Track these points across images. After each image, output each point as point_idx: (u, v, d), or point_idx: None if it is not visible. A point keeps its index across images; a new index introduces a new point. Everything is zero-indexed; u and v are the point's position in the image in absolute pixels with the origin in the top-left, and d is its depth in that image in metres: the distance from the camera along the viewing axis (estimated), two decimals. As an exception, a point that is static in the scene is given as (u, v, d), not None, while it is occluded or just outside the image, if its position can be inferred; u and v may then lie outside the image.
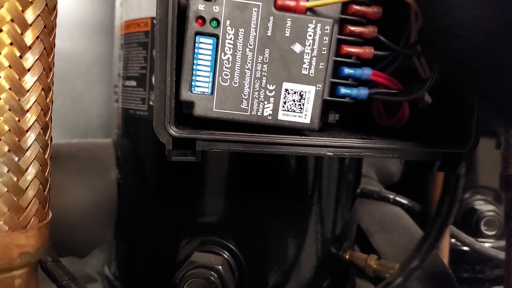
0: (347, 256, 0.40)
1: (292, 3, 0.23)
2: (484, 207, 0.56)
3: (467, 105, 0.26)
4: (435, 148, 0.26)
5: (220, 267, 0.31)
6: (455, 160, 0.27)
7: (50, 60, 0.20)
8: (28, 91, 0.19)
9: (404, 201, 0.52)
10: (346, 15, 0.24)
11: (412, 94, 0.26)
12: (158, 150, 0.36)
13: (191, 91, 0.23)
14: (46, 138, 0.20)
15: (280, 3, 0.23)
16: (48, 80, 0.20)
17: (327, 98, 0.26)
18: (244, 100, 0.23)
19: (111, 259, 0.42)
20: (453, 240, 0.57)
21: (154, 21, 0.34)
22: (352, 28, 0.25)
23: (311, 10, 0.24)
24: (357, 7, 0.24)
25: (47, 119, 0.20)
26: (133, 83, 0.36)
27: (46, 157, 0.20)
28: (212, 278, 0.31)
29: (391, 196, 0.52)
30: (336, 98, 0.26)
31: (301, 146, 0.25)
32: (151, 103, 0.35)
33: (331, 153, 0.25)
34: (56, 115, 0.59)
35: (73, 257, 0.40)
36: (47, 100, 0.20)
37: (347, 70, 0.25)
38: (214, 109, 0.23)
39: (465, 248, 0.55)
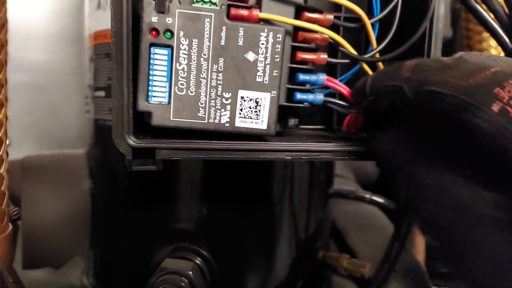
0: (320, 256, 0.40)
1: (245, 13, 0.24)
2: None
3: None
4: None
5: (190, 272, 0.32)
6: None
7: (1, 76, 0.20)
8: (-20, 107, 0.19)
9: (380, 200, 0.53)
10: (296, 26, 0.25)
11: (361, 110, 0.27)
12: (129, 159, 0.37)
13: (148, 101, 0.24)
14: (1, 153, 0.20)
15: (233, 13, 0.23)
16: (0, 96, 0.20)
17: (283, 103, 0.26)
18: (201, 109, 0.24)
19: (89, 268, 0.43)
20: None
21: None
22: (305, 35, 0.25)
23: (264, 20, 0.24)
24: (310, 15, 0.25)
25: (0, 134, 0.20)
26: (102, 93, 0.37)
27: (1, 171, 0.20)
28: (182, 283, 0.31)
29: (367, 196, 0.53)
30: (292, 104, 0.27)
31: (260, 151, 0.26)
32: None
33: (290, 157, 0.26)
34: (34, 127, 0.59)
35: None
36: (0, 116, 0.20)
37: (302, 76, 0.26)
38: (171, 118, 0.24)
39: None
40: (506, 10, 0.31)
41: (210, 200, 0.36)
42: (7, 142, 0.23)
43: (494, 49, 0.40)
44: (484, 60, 0.20)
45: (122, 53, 0.23)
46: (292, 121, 0.28)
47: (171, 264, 0.33)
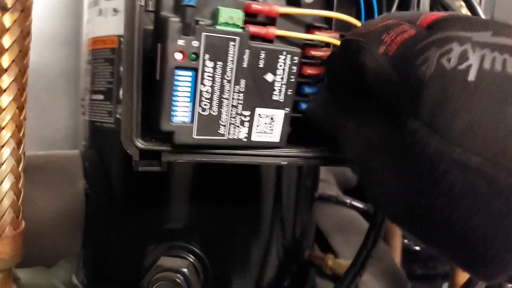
0: (306, 256, 0.43)
1: (263, 31, 0.25)
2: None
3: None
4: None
5: (186, 269, 0.33)
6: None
7: (24, 81, 0.21)
8: (4, 110, 0.20)
9: (359, 205, 0.56)
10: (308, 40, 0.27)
11: None
12: (124, 160, 0.38)
13: (171, 122, 0.24)
14: (20, 152, 0.22)
15: (252, 30, 0.25)
16: (22, 99, 0.21)
17: (292, 114, 0.28)
18: (221, 126, 0.25)
19: (79, 267, 0.43)
20: (406, 241, 0.61)
21: (121, 39, 0.36)
22: (313, 52, 0.27)
23: (279, 37, 0.26)
24: (319, 33, 0.27)
25: (20, 135, 0.22)
26: (100, 96, 0.38)
27: (19, 170, 0.22)
28: (178, 280, 0.33)
29: (348, 201, 0.56)
30: (298, 114, 0.29)
31: (259, 156, 0.28)
32: (117, 116, 0.37)
33: (285, 162, 0.28)
34: (21, 127, 0.59)
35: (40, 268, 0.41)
36: (21, 118, 0.21)
37: (307, 89, 0.28)
38: (194, 136, 0.25)
39: (417, 247, 0.59)
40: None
41: (203, 201, 0.38)
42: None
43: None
44: (395, 15, 0.22)
45: (132, 61, 0.24)
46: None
47: (166, 262, 0.34)
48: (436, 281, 0.65)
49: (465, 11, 0.34)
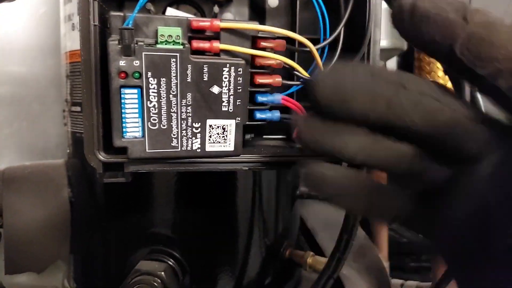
0: (287, 254, 0.44)
1: (207, 45, 0.26)
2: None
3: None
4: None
5: (163, 273, 0.35)
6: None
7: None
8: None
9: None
10: (255, 49, 0.27)
11: None
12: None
13: (123, 137, 0.25)
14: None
15: (195, 46, 0.25)
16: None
17: (245, 123, 0.29)
18: (174, 139, 0.26)
19: (70, 272, 0.45)
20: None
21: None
22: (261, 61, 0.28)
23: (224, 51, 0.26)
24: (264, 43, 0.28)
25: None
26: (78, 108, 0.39)
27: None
28: (155, 283, 0.34)
29: (334, 197, 0.56)
30: (253, 122, 0.30)
31: (220, 163, 0.29)
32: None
33: (247, 168, 0.29)
34: (14, 138, 0.61)
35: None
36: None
37: (260, 98, 0.29)
38: (147, 150, 0.26)
39: (404, 239, 0.60)
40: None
41: (182, 205, 0.39)
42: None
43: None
44: None
45: (91, 78, 0.26)
46: (248, 136, 0.31)
47: (144, 265, 0.35)
48: (428, 273, 0.65)
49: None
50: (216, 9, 0.31)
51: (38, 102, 0.60)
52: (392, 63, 0.59)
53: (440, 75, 0.43)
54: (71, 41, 0.40)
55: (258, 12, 0.35)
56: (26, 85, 0.59)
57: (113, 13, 0.25)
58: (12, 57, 0.58)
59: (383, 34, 0.48)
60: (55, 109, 0.60)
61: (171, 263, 0.37)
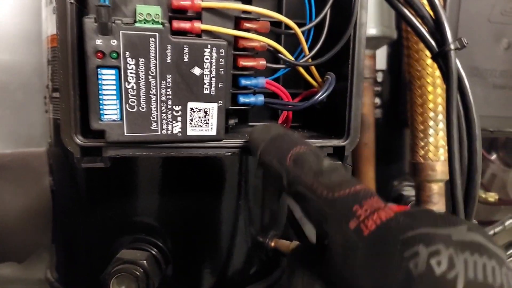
0: (272, 244, 0.43)
1: (188, 25, 0.25)
2: (411, 192, 0.61)
3: (342, 109, 0.29)
4: (322, 142, 0.30)
5: (145, 261, 0.34)
6: (341, 152, 0.30)
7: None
8: None
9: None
10: (239, 30, 0.27)
11: (297, 106, 0.30)
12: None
13: (100, 120, 0.24)
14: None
15: (176, 26, 0.25)
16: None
17: (229, 107, 0.29)
18: (153, 122, 0.25)
19: (52, 263, 0.44)
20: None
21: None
22: (244, 43, 0.28)
23: (206, 31, 0.26)
24: (248, 24, 0.27)
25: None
26: (59, 94, 0.38)
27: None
28: (137, 272, 0.33)
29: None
30: (237, 107, 0.29)
31: (201, 148, 0.28)
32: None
33: (229, 153, 0.28)
34: (-2, 127, 0.59)
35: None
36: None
37: (244, 81, 0.28)
38: (125, 134, 0.25)
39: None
40: (432, 15, 0.33)
41: (166, 193, 0.38)
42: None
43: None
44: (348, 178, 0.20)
45: (67, 59, 0.25)
46: (232, 121, 0.30)
47: (126, 254, 0.35)
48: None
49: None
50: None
51: (22, 90, 0.58)
52: (381, 52, 0.58)
53: (429, 63, 0.43)
54: (53, 24, 0.38)
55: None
56: (9, 73, 0.57)
57: (90, -10, 0.24)
58: (-4, 44, 0.57)
59: (372, 23, 0.47)
60: (39, 97, 0.58)
61: (154, 252, 0.37)
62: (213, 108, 0.26)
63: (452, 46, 0.31)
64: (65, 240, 0.42)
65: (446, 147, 0.44)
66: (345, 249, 0.18)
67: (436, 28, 0.33)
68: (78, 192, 0.40)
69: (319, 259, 0.20)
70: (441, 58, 0.32)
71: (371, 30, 0.47)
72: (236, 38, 0.27)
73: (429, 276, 0.16)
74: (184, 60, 0.24)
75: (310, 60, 0.29)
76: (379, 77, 0.62)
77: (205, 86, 0.25)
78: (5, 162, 0.41)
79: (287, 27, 0.31)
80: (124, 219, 0.38)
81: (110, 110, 0.24)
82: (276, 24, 0.30)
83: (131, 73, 0.24)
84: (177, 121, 0.25)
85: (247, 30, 0.27)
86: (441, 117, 0.43)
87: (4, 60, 0.57)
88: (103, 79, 0.23)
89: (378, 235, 0.17)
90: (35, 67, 0.58)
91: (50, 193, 0.40)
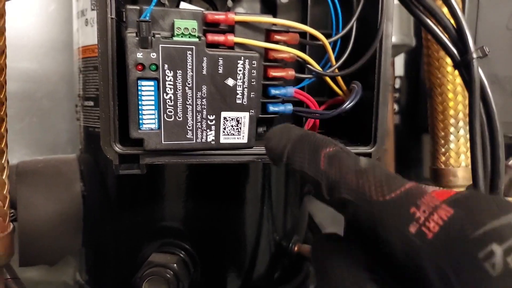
0: (296, 249, 0.44)
1: (221, 38, 0.26)
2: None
3: (368, 117, 0.30)
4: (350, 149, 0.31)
5: (175, 265, 0.35)
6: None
7: (2, 95, 0.23)
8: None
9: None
10: (269, 42, 0.28)
11: (325, 115, 0.30)
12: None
13: (139, 129, 0.26)
14: (3, 162, 0.23)
15: (210, 39, 0.26)
16: (2, 113, 0.23)
17: (259, 116, 0.30)
18: (189, 131, 0.26)
19: (82, 265, 0.46)
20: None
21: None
22: (275, 54, 0.29)
23: (238, 44, 0.27)
24: (278, 36, 0.28)
25: (2, 146, 0.23)
26: (91, 103, 0.40)
27: (3, 178, 0.24)
28: (168, 275, 0.35)
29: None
30: (266, 115, 0.30)
31: (233, 155, 0.29)
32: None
33: (259, 160, 0.29)
34: (24, 133, 0.62)
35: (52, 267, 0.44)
36: (1, 130, 0.23)
37: (273, 91, 0.29)
38: (163, 142, 0.26)
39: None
40: (454, 24, 0.34)
41: (194, 199, 0.39)
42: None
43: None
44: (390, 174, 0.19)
45: (108, 71, 0.26)
46: (260, 129, 0.31)
47: (157, 258, 0.36)
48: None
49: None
50: (229, 3, 0.32)
51: (48, 98, 0.60)
52: (399, 59, 0.59)
53: (450, 71, 0.43)
54: (84, 36, 0.40)
55: (269, 7, 0.35)
56: (36, 81, 0.59)
57: (129, 6, 0.25)
58: (23, 53, 0.59)
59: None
60: (65, 105, 0.61)
61: (182, 256, 0.38)
62: (245, 117, 0.27)
63: (474, 55, 0.31)
64: (95, 244, 0.43)
65: (467, 153, 0.44)
66: (407, 255, 0.16)
67: (458, 37, 0.33)
68: (108, 198, 0.41)
69: (356, 247, 0.19)
70: (464, 67, 0.32)
71: (391, 38, 0.47)
72: (267, 49, 0.28)
73: (508, 275, 0.15)
74: (219, 71, 0.25)
75: (337, 70, 0.30)
76: (397, 83, 0.62)
77: (237, 96, 0.26)
78: (38, 168, 0.42)
79: (312, 37, 0.32)
80: (152, 224, 0.39)
81: (148, 119, 0.25)
82: (301, 34, 0.31)
83: (169, 84, 0.25)
84: (211, 130, 0.27)
85: (277, 42, 0.28)
86: (461, 123, 0.44)
87: (31, 69, 0.59)
88: (143, 90, 0.24)
89: (444, 238, 0.16)
90: (61, 75, 0.60)
91: (81, 198, 0.42)
